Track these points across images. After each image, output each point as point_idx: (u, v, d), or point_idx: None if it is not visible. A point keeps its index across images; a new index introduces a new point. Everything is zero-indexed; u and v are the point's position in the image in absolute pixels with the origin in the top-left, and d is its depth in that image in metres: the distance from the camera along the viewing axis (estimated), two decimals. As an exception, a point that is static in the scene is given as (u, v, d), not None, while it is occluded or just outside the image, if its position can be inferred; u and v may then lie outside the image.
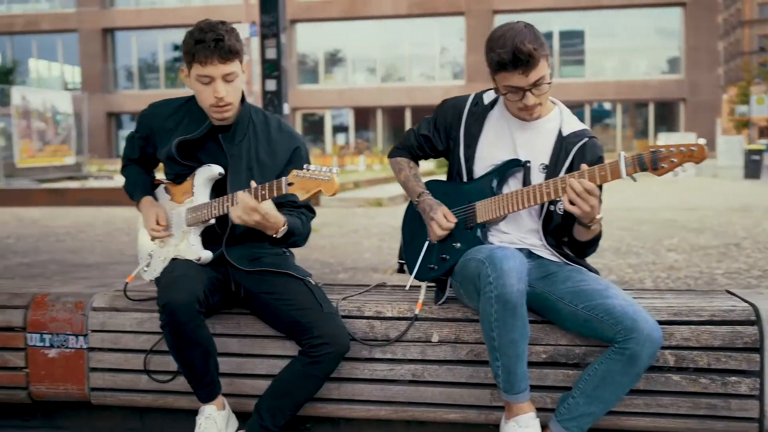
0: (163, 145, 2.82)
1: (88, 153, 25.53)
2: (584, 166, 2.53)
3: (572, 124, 2.77)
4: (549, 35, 34.13)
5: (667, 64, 34.66)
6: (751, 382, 2.64)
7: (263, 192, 2.56)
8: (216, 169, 2.75)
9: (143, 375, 2.99)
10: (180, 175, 2.84)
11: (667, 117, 35.08)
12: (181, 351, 2.61)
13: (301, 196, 2.47)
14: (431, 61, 35.65)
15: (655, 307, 2.75)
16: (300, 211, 2.82)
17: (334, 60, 36.89)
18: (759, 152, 22.91)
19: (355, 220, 11.51)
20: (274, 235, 2.67)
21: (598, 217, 2.58)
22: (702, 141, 2.42)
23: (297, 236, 2.75)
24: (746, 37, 77.62)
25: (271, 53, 8.55)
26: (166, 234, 2.83)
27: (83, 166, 23.33)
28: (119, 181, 21.60)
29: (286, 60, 8.68)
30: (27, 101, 20.01)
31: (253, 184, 2.59)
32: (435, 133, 2.91)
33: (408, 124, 36.02)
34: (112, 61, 37.70)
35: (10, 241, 9.47)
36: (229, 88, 2.66)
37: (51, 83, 37.67)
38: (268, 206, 2.58)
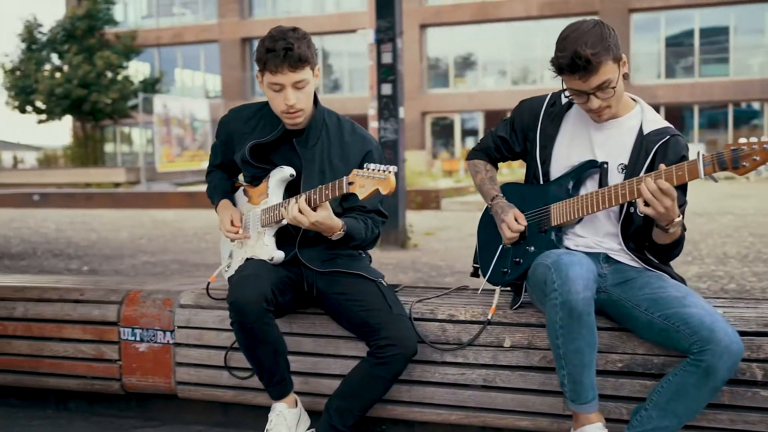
0: (239, 148, 2.90)
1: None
2: (662, 166, 2.41)
3: (654, 122, 2.64)
4: (690, 33, 32.68)
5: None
6: None
7: (326, 192, 2.58)
8: (287, 171, 2.80)
9: (224, 371, 3.08)
10: (256, 177, 2.91)
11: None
12: (250, 349, 2.68)
13: (361, 195, 2.48)
14: (564, 62, 34.85)
15: (744, 317, 2.58)
16: (368, 215, 2.83)
17: (464, 63, 36.79)
18: None
19: (475, 224, 11.41)
20: (331, 237, 2.70)
21: (677, 219, 2.45)
22: None
23: (357, 240, 2.76)
24: None
25: (387, 57, 8.62)
26: (242, 236, 2.91)
27: (218, 170, 24.33)
28: (253, 184, 22.38)
29: (403, 64, 8.72)
30: (167, 109, 21.14)
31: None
32: (512, 135, 2.85)
33: (539, 127, 35.40)
34: (250, 69, 39.17)
35: (143, 242, 10.01)
36: (300, 94, 2.70)
37: (194, 92, 39.52)
38: (321, 214, 2.60)
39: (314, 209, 2.63)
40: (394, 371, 2.67)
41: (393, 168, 2.44)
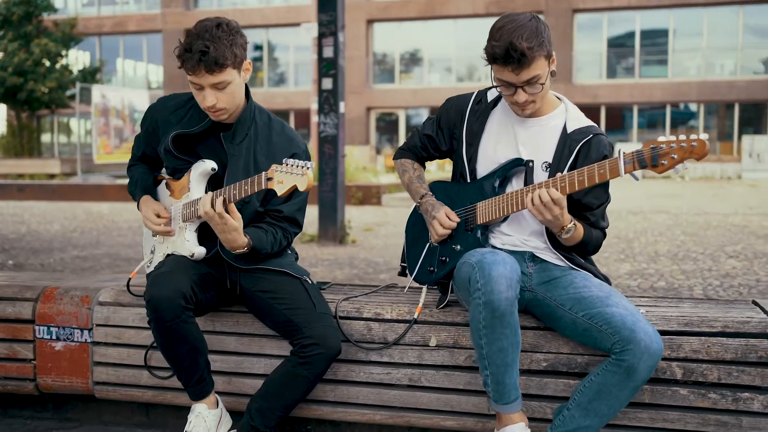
0: (164, 138, 2.80)
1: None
2: (584, 170, 2.40)
3: (577, 121, 2.63)
4: (631, 34, 33.26)
5: (756, 63, 33.32)
6: (765, 399, 2.46)
7: (246, 187, 2.51)
8: (209, 164, 2.71)
9: (144, 370, 2.99)
10: (178, 169, 2.82)
11: (753, 119, 33.71)
12: (168, 347, 2.59)
13: (279, 191, 2.41)
14: (508, 60, 35.17)
15: (666, 316, 2.60)
16: (281, 224, 2.76)
17: (410, 60, 36.85)
18: None
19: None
20: (233, 252, 2.64)
21: (566, 226, 2.48)
22: (704, 136, 2.27)
23: (262, 255, 2.71)
24: None
25: (328, 52, 8.54)
26: (169, 228, 2.81)
27: (159, 162, 23.95)
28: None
29: (344, 59, 8.65)
30: (106, 99, 20.66)
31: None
32: (439, 133, 2.82)
33: (483, 125, 35.66)
34: (193, 61, 38.56)
35: (75, 235, 9.76)
36: (221, 95, 2.60)
37: (135, 82, 38.79)
38: (232, 223, 2.55)
39: (226, 211, 2.56)
40: (317, 371, 2.62)
41: (310, 164, 2.38)
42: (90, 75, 29.68)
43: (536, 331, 2.63)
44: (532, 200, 2.42)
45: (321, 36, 8.62)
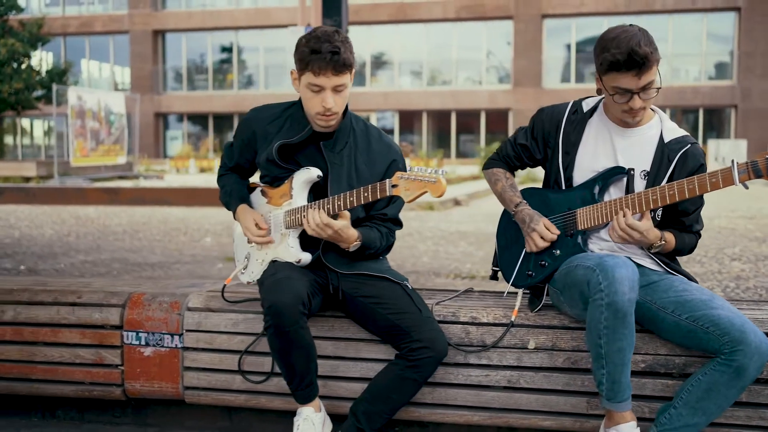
0: (263, 148, 2.85)
1: (139, 153, 25.95)
2: (694, 179, 2.51)
3: (673, 131, 2.75)
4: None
5: (719, 69, 34.11)
6: None
7: (366, 194, 2.58)
8: (314, 172, 2.77)
9: (237, 375, 3.03)
10: (278, 178, 2.87)
11: (716, 123, 34.51)
12: (283, 353, 2.64)
13: (406, 198, 2.49)
14: (478, 65, 35.54)
15: (757, 318, 2.71)
16: (386, 224, 2.86)
17: (380, 63, 36.98)
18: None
19: (408, 224, 11.51)
20: (347, 249, 2.73)
21: (657, 243, 2.65)
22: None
23: (372, 249, 2.80)
24: (798, 42, 75.97)
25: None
26: (269, 239, 2.86)
27: (134, 165, 23.71)
28: (169, 181, 21.93)
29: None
30: (82, 101, 20.41)
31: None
32: (533, 142, 2.91)
33: (453, 128, 35.94)
34: (161, 63, 38.24)
35: (71, 239, 9.67)
36: (338, 98, 2.69)
37: (102, 84, 38.34)
38: (341, 223, 2.65)
39: (334, 218, 2.64)
40: (426, 374, 2.69)
41: (443, 170, 2.45)
42: (58, 76, 29.23)
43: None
44: (616, 224, 2.60)
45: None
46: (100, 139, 21.19)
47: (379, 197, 2.56)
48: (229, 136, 38.70)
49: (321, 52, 2.59)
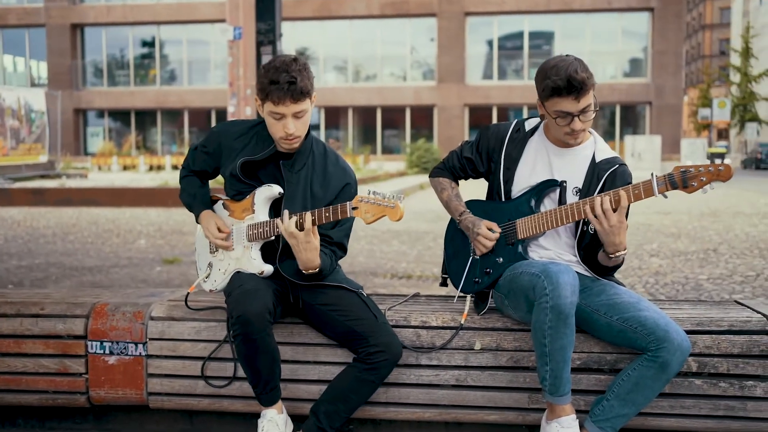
0: (228, 162, 3.01)
1: (60, 151, 25.36)
2: (620, 190, 2.79)
3: (605, 152, 3.02)
4: (519, 36, 34.59)
5: (633, 67, 35.35)
6: (766, 386, 2.91)
7: (327, 214, 2.77)
8: (276, 189, 2.95)
9: (200, 380, 3.18)
10: (240, 192, 3.03)
11: (632, 119, 35.78)
12: (250, 359, 2.82)
13: (366, 221, 2.69)
14: (402, 61, 35.94)
15: (678, 317, 3.01)
16: (332, 247, 3.02)
17: (305, 59, 36.96)
18: (721, 155, 23.59)
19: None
20: (304, 271, 2.90)
21: (622, 251, 2.85)
22: (728, 161, 2.68)
23: (322, 276, 2.97)
24: (707, 40, 79.18)
25: (267, 60, 8.69)
26: (230, 244, 3.02)
27: (56, 164, 23.20)
28: (95, 180, 21.55)
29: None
30: (1, 99, 19.86)
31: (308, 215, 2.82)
32: (477, 156, 3.15)
33: (379, 124, 36.25)
34: (80, 57, 37.36)
35: (0, 242, 9.51)
36: (299, 123, 2.87)
37: (17, 78, 37.22)
38: (314, 242, 2.81)
39: (301, 230, 2.82)
40: (382, 375, 2.90)
41: (402, 195, 2.66)
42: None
43: (570, 333, 2.99)
44: (593, 207, 2.76)
45: (259, 44, 8.80)
46: (21, 138, 20.67)
47: (340, 218, 2.76)
48: (153, 133, 38.26)
49: (279, 83, 2.77)
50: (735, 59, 57.36)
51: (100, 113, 38.11)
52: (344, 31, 35.58)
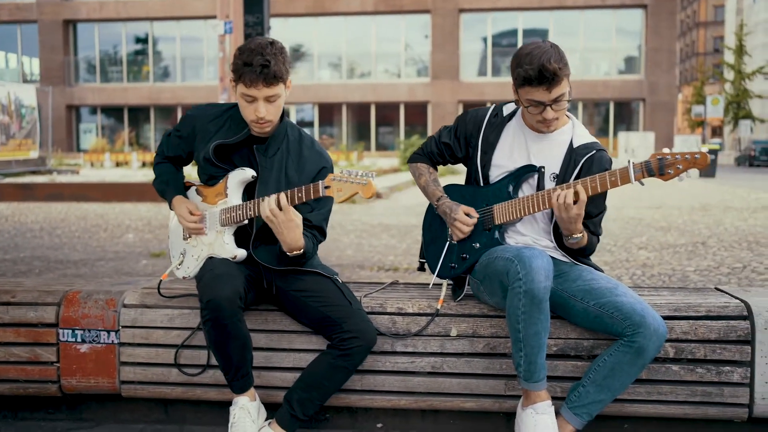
0: (202, 146, 2.97)
1: (52, 147, 25.28)
2: (596, 177, 2.75)
3: (583, 137, 2.98)
4: (513, 33, 34.56)
5: (627, 64, 35.35)
6: (743, 372, 2.88)
7: (300, 194, 2.73)
8: (249, 172, 2.91)
9: (173, 368, 3.13)
10: (213, 176, 2.99)
11: (626, 116, 35.79)
12: (221, 345, 2.77)
13: (338, 199, 2.65)
14: (396, 58, 35.89)
15: (656, 303, 2.98)
16: (312, 231, 2.97)
17: (298, 55, 36.90)
18: (714, 152, 23.61)
19: (331, 217, 11.62)
20: (288, 254, 2.85)
21: (577, 234, 2.83)
22: (705, 149, 2.65)
23: (305, 259, 2.92)
24: (701, 38, 79.26)
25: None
26: (202, 227, 2.98)
27: (47, 160, 23.11)
28: (86, 175, 21.45)
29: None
30: (-9, 94, 19.77)
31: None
32: (455, 141, 3.11)
33: (373, 120, 36.20)
34: (73, 53, 37.22)
35: (-14, 237, 9.45)
36: (271, 107, 2.82)
37: (9, 74, 37.06)
38: (296, 220, 2.76)
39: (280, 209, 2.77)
40: (356, 362, 2.86)
41: (373, 173, 2.62)
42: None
43: (547, 319, 2.96)
44: (558, 198, 2.74)
45: (248, 37, 8.73)
46: (11, 134, 20.57)
47: (312, 197, 2.72)
48: (146, 129, 38.18)
49: (252, 65, 2.73)
50: (729, 57, 57.45)
51: (93, 110, 37.99)
52: (338, 27, 35.51)
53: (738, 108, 53.91)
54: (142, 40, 37.08)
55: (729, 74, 56.39)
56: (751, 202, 14.18)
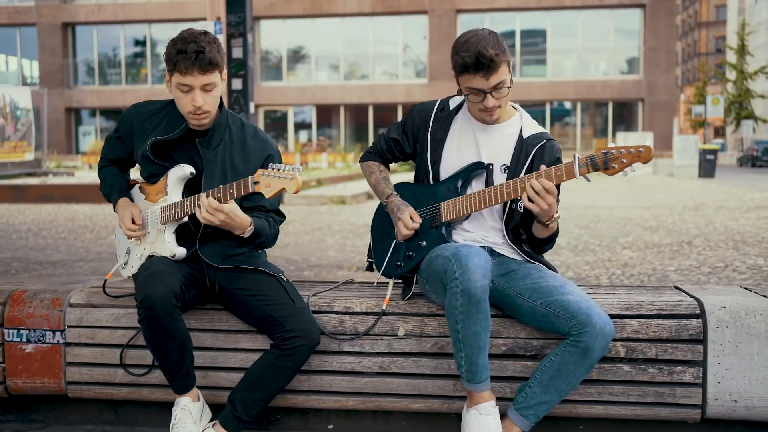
0: (140, 144, 2.93)
1: (48, 149, 25.27)
2: (543, 167, 2.70)
3: (532, 128, 2.93)
4: (512, 34, 34.48)
5: (626, 64, 35.27)
6: (695, 372, 2.82)
7: (231, 191, 2.68)
8: (187, 169, 2.86)
9: (119, 369, 3.09)
10: (154, 174, 2.94)
11: (625, 116, 35.69)
12: (158, 344, 2.72)
13: (267, 194, 2.61)
14: (394, 59, 35.84)
15: (608, 302, 2.92)
16: (269, 215, 2.95)
17: (297, 57, 36.89)
18: (713, 152, 23.51)
19: (319, 218, 11.63)
20: (242, 235, 2.81)
21: (555, 215, 2.75)
22: (649, 142, 2.60)
23: (263, 237, 2.89)
24: (703, 38, 79.13)
25: (237, 52, 8.63)
26: (142, 233, 2.94)
27: (43, 162, 23.10)
28: (79, 177, 21.43)
29: (252, 59, 8.76)
30: (-15, 96, 19.76)
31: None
32: (404, 137, 3.06)
33: (371, 122, 36.17)
34: (72, 56, 37.26)
35: (-30, 238, 9.42)
36: (207, 97, 2.78)
37: (9, 78, 37.09)
38: (232, 206, 2.72)
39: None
40: (298, 362, 2.81)
41: (299, 168, 2.58)
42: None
43: (496, 318, 2.90)
44: (534, 189, 2.64)
45: (230, 37, 8.70)
46: (6, 136, 20.55)
47: (243, 193, 2.67)
48: (144, 131, 38.13)
49: (186, 53, 2.69)
50: (731, 56, 57.31)
51: (92, 112, 38.01)
52: (336, 29, 35.48)
53: (740, 108, 53.77)
54: (141, 43, 37.10)
55: (731, 74, 56.25)
56: (745, 201, 14.09)
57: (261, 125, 35.79)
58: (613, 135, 33.67)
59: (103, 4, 36.22)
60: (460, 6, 33.96)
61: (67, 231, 10.24)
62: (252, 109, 8.71)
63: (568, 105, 35.66)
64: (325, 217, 11.42)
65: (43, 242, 9.03)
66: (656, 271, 6.41)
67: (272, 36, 35.92)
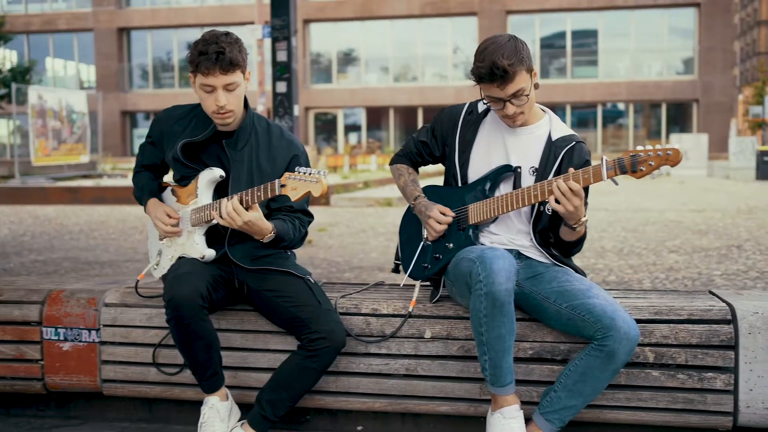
0: (170, 147, 2.99)
1: (103, 152, 25.86)
2: (571, 170, 2.68)
3: (561, 130, 2.92)
4: (562, 35, 34.15)
5: (681, 64, 34.63)
6: (726, 378, 2.77)
7: (258, 193, 2.72)
8: (217, 172, 2.91)
9: (152, 367, 3.15)
10: (185, 177, 3.00)
11: (679, 118, 35.03)
12: (185, 344, 2.78)
13: (293, 197, 2.64)
14: (444, 60, 35.78)
15: (638, 306, 2.89)
16: (295, 215, 2.98)
17: (347, 60, 37.09)
18: (766, 153, 22.89)
19: (364, 220, 11.66)
20: (262, 240, 2.85)
21: (583, 219, 2.73)
22: (677, 145, 2.56)
23: (286, 241, 2.91)
24: (762, 37, 77.18)
25: (281, 56, 8.71)
26: (179, 229, 2.99)
27: (98, 164, 23.66)
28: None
29: (297, 62, 8.83)
30: (43, 100, 20.32)
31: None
32: (432, 140, 3.07)
33: (420, 124, 36.14)
34: (127, 60, 38.06)
35: (26, 239, 9.69)
36: (230, 96, 2.83)
37: (67, 82, 38.08)
38: (253, 215, 2.74)
39: (246, 210, 2.76)
40: (324, 363, 2.83)
41: (324, 171, 2.61)
42: (20, 75, 29.00)
43: (523, 322, 2.89)
44: (560, 190, 2.62)
45: (274, 40, 8.79)
46: (62, 138, 21.11)
47: (270, 196, 2.70)
48: (197, 134, 38.73)
49: (207, 54, 2.74)
50: (790, 55, 55.75)
51: (147, 115, 38.76)
52: (385, 31, 35.57)
53: (800, 108, 52.28)
54: (194, 47, 37.78)
55: (790, 74, 54.74)
56: (801, 204, 13.71)
57: (311, 127, 36.07)
58: (667, 136, 33.08)
59: (157, 9, 36.92)
60: (509, 7, 33.76)
61: (117, 232, 10.46)
62: (296, 112, 8.77)
63: (621, 106, 35.15)
64: (370, 219, 11.46)
65: (93, 243, 9.25)
66: (701, 275, 6.28)
67: (322, 39, 36.17)
